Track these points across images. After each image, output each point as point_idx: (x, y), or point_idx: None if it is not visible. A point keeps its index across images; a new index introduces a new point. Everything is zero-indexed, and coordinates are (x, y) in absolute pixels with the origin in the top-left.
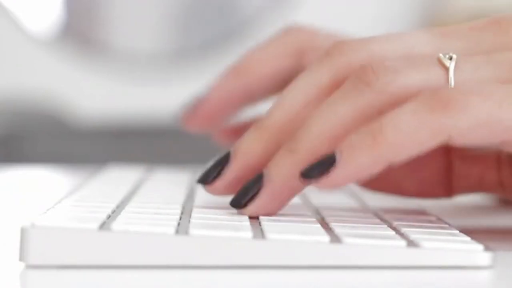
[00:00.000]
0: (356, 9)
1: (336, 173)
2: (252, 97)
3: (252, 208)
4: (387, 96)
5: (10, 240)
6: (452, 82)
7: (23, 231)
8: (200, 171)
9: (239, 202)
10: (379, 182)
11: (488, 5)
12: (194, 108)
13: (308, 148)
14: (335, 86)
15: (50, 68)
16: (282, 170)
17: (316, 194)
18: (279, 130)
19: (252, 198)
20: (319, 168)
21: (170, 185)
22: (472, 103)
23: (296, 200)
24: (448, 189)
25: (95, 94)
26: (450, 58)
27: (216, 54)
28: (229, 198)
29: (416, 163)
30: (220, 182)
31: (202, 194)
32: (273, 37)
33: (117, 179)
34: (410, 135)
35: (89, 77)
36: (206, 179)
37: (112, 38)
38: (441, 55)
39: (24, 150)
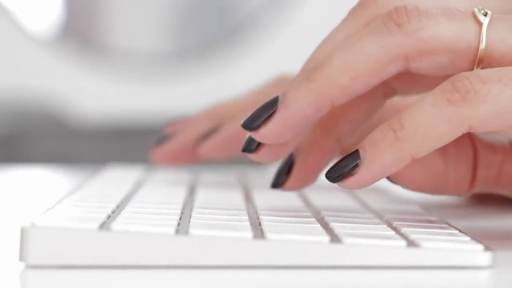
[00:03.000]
0: None
1: (361, 173)
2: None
3: (263, 132)
4: (416, 41)
5: (10, 240)
6: (484, 38)
7: (23, 231)
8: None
9: (251, 125)
10: (422, 181)
11: None
12: (160, 142)
13: (327, 78)
14: None
15: (50, 68)
16: (298, 97)
17: (316, 194)
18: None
19: (264, 122)
20: (344, 169)
21: (170, 185)
22: (491, 91)
23: (296, 200)
24: (471, 181)
25: (95, 94)
26: (485, 15)
27: (216, 54)
28: (229, 197)
29: (450, 158)
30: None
31: (202, 194)
32: (258, 86)
33: (117, 179)
34: (430, 128)
35: (89, 77)
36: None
37: (112, 38)
38: (476, 9)
39: (24, 150)
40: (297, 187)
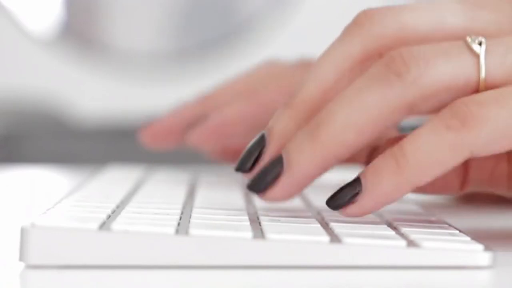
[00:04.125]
0: (355, 9)
1: (363, 201)
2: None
3: (270, 194)
4: (417, 89)
5: (10, 240)
6: (483, 70)
7: (23, 231)
8: (238, 160)
9: (258, 188)
10: None
11: None
12: (150, 123)
13: (332, 139)
14: (367, 58)
15: (50, 68)
16: (304, 157)
17: (316, 194)
18: (312, 106)
19: (271, 183)
20: (346, 196)
21: (170, 185)
22: (489, 115)
23: (296, 200)
24: (462, 183)
25: (95, 94)
26: (480, 43)
27: (216, 54)
28: (229, 197)
29: None
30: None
31: (202, 194)
32: (247, 70)
33: (117, 179)
34: (432, 156)
35: (89, 77)
36: (244, 166)
37: (112, 38)
38: (469, 39)
39: (24, 150)
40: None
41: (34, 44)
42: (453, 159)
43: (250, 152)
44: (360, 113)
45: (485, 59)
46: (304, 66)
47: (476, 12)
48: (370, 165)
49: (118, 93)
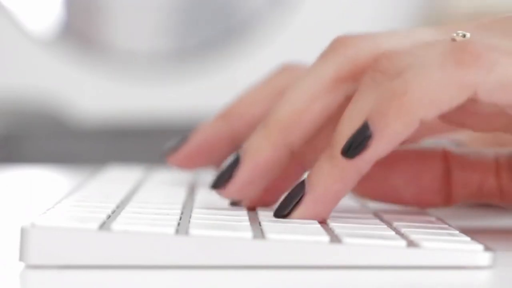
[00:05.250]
0: (355, 9)
1: (375, 146)
2: (240, 140)
3: (297, 213)
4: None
5: (10, 240)
6: None
7: (23, 231)
8: (212, 175)
9: (283, 212)
10: (378, 191)
11: (487, 5)
12: (177, 146)
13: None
14: (340, 80)
15: (50, 68)
16: (323, 175)
17: None
18: (285, 127)
19: (295, 206)
20: (357, 144)
21: (170, 185)
22: (501, 61)
23: None
24: (447, 198)
25: (95, 94)
26: (464, 36)
27: (215, 54)
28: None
29: (414, 171)
30: (233, 185)
31: (202, 194)
32: (264, 78)
33: (117, 179)
34: (438, 91)
35: (89, 77)
36: (219, 184)
37: (112, 38)
38: (454, 34)
39: (24, 150)
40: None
41: (34, 44)
42: (459, 96)
43: (224, 171)
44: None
45: None
46: None
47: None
48: (374, 106)
49: (118, 93)
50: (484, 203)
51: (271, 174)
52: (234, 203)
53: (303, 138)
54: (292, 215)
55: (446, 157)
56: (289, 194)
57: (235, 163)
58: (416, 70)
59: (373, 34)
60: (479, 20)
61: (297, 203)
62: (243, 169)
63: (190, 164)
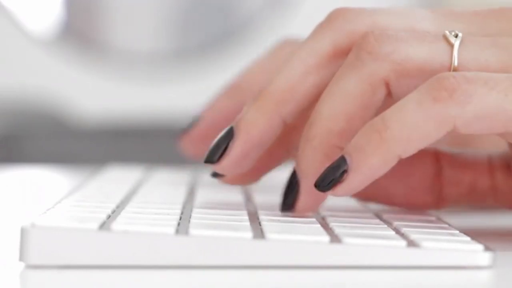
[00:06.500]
0: None
1: (351, 179)
2: None
3: (297, 206)
4: (390, 64)
5: (10, 240)
6: (455, 60)
7: (23, 231)
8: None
9: (285, 204)
10: (368, 191)
11: (486, 3)
12: (188, 129)
13: (325, 132)
14: (337, 54)
15: (50, 68)
16: (310, 162)
17: None
18: (280, 99)
19: (293, 200)
20: (332, 177)
21: (170, 185)
22: (477, 93)
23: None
24: (438, 198)
25: (95, 94)
26: (456, 36)
27: (215, 54)
28: (229, 197)
29: (404, 171)
30: (227, 160)
31: (202, 194)
32: (266, 52)
33: (117, 179)
34: (416, 128)
35: (89, 77)
36: (212, 159)
37: (112, 38)
38: (447, 32)
39: (24, 150)
40: (238, 183)
41: (34, 44)
42: (437, 131)
43: (218, 144)
44: (342, 100)
45: (459, 50)
46: None
47: (448, 21)
48: (353, 141)
49: (118, 93)
50: (478, 205)
51: (264, 146)
52: (216, 175)
53: (296, 111)
54: (294, 208)
55: (437, 157)
56: (285, 188)
57: (229, 137)
58: (395, 106)
59: (370, 10)
60: (475, 9)
61: (294, 196)
62: (238, 143)
63: (202, 145)
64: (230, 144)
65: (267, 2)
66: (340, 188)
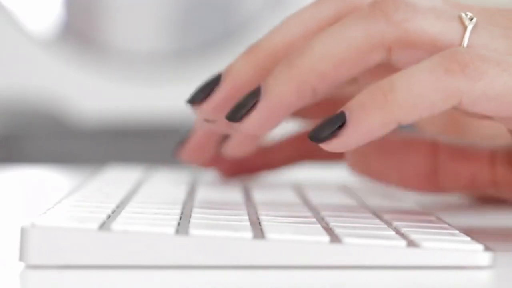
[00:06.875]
0: None
1: (346, 135)
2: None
3: (247, 123)
4: (401, 31)
5: (10, 240)
6: (465, 42)
7: (23, 231)
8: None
9: (235, 116)
10: (365, 165)
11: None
12: (184, 141)
13: (308, 65)
14: (337, 21)
15: (50, 68)
16: (280, 85)
17: (316, 194)
18: (271, 54)
19: (247, 113)
20: (329, 129)
21: (170, 185)
22: (489, 72)
23: (296, 200)
24: (435, 187)
25: (95, 94)
26: (471, 19)
27: (215, 54)
28: (229, 197)
29: (398, 157)
30: (208, 104)
31: (202, 194)
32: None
33: (117, 179)
34: (423, 96)
35: (89, 77)
36: (195, 100)
37: (112, 38)
38: (463, 13)
39: (24, 150)
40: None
41: (34, 44)
42: (443, 103)
43: (203, 89)
44: (339, 43)
45: (471, 33)
46: None
47: (459, 10)
48: (356, 97)
49: (118, 93)
50: (479, 195)
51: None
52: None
53: None
54: (242, 125)
55: (435, 148)
56: (242, 98)
57: (216, 82)
58: (405, 71)
59: None
60: (484, 5)
61: (250, 110)
62: (222, 89)
63: (200, 154)
64: (215, 88)
65: (267, 2)
66: (334, 142)
